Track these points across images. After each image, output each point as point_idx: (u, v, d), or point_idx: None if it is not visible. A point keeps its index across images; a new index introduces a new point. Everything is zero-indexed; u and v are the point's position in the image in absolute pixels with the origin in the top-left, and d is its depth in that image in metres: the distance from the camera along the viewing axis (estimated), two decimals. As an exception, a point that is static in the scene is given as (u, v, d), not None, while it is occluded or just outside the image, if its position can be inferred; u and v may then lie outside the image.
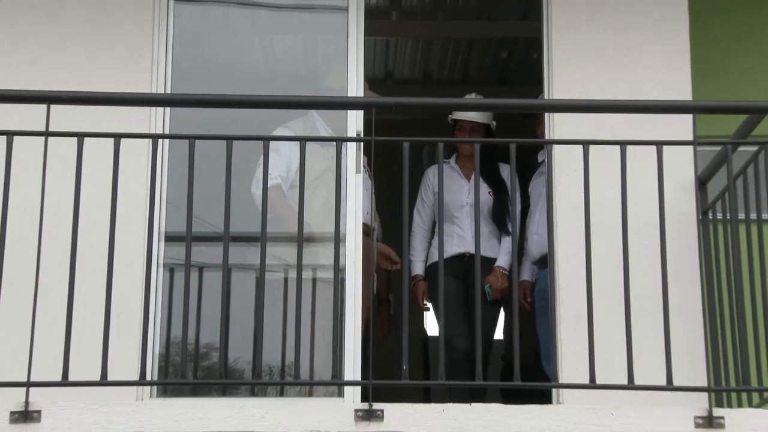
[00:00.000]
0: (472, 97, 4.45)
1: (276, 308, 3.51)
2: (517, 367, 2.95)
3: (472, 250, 3.64)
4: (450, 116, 4.42)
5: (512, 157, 3.05)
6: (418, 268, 4.29)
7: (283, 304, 3.53)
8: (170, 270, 3.71)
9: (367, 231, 3.92)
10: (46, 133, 2.87)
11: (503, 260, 4.17)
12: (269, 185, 3.24)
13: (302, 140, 3.02)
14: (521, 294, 4.04)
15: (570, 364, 3.55)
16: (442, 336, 3.31)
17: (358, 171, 3.76)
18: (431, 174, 4.35)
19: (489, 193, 4.25)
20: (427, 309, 4.47)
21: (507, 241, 4.14)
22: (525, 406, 3.07)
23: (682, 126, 3.38)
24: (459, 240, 4.22)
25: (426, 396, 4.43)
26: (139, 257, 3.11)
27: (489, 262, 4.15)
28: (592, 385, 2.98)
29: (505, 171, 4.20)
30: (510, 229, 3.94)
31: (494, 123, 4.46)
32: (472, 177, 3.70)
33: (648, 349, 3.11)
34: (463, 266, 4.17)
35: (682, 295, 3.43)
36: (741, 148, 3.15)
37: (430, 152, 5.14)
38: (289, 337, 3.32)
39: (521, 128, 4.34)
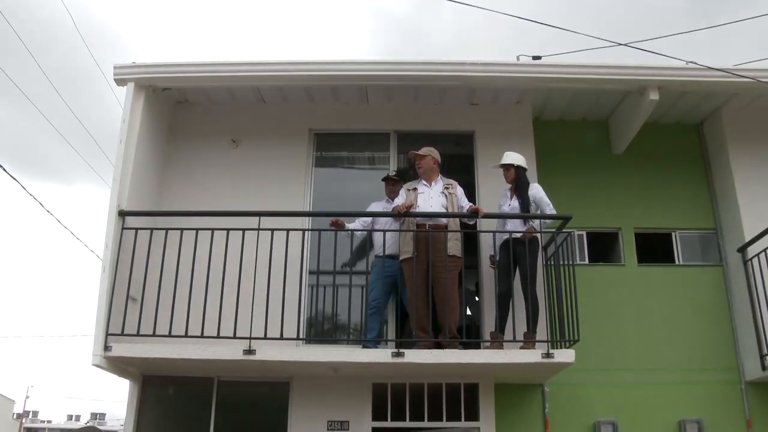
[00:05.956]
0: (510, 153, 7.08)
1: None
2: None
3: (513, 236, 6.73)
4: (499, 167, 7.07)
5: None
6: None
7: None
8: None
9: None
10: (258, 229, 6.42)
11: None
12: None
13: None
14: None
15: (485, 330, 7.05)
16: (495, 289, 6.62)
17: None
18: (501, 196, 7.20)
19: (519, 202, 6.91)
20: (495, 268, 6.88)
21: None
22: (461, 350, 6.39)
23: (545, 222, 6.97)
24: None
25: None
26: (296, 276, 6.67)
27: (521, 238, 6.64)
28: (499, 339, 6.54)
29: (532, 189, 6.94)
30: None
31: (518, 163, 6.96)
32: (513, 196, 6.95)
33: (523, 323, 6.58)
34: (508, 245, 6.72)
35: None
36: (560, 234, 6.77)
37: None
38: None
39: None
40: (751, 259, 7.39)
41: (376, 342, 6.79)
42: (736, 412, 7.31)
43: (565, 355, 6.33)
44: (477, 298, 8.00)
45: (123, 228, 6.66)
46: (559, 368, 6.59)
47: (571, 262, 6.63)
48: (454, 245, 6.73)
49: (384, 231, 6.95)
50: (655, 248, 8.07)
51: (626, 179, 8.23)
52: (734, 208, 7.79)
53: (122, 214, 6.71)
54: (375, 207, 7.35)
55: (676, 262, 8.00)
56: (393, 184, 7.44)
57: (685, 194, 8.22)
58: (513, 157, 7.15)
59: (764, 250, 7.08)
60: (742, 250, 7.54)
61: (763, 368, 7.10)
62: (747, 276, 7.45)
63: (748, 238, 7.46)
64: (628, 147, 8.14)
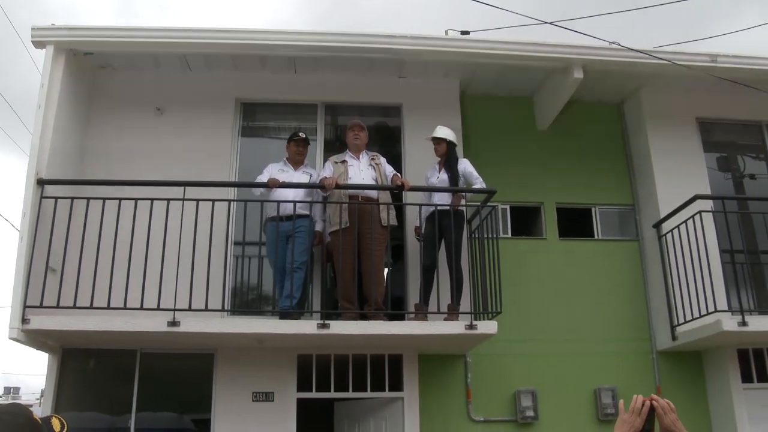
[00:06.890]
0: (442, 128, 7.25)
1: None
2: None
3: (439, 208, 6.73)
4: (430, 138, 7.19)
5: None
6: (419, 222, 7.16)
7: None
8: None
9: None
10: (183, 199, 6.33)
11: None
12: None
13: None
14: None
15: (410, 301, 7.17)
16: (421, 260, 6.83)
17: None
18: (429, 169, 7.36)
19: (449, 175, 7.06)
20: (421, 240, 7.05)
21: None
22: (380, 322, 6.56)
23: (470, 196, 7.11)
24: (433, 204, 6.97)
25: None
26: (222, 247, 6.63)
27: (447, 211, 6.69)
28: (423, 311, 6.70)
29: (461, 164, 7.12)
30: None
31: (450, 138, 7.14)
32: (442, 169, 7.05)
33: (447, 295, 6.73)
34: (434, 218, 6.70)
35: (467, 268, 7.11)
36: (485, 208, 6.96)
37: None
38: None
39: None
40: (665, 234, 7.70)
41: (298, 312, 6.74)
42: (647, 380, 7.65)
43: (487, 327, 6.51)
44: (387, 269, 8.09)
45: (42, 197, 6.47)
46: (482, 339, 6.76)
47: (494, 236, 6.77)
48: (388, 215, 6.87)
49: (319, 202, 6.95)
50: (575, 223, 8.31)
51: (549, 155, 8.43)
52: (650, 185, 8.09)
53: (41, 182, 6.51)
54: (272, 168, 7.19)
55: (596, 237, 8.26)
56: (303, 146, 7.33)
57: (605, 171, 8.47)
58: (445, 132, 7.26)
59: (677, 227, 7.38)
60: (657, 225, 7.85)
61: (673, 338, 7.45)
62: (661, 251, 7.76)
63: (663, 215, 7.75)
64: (552, 123, 8.34)
